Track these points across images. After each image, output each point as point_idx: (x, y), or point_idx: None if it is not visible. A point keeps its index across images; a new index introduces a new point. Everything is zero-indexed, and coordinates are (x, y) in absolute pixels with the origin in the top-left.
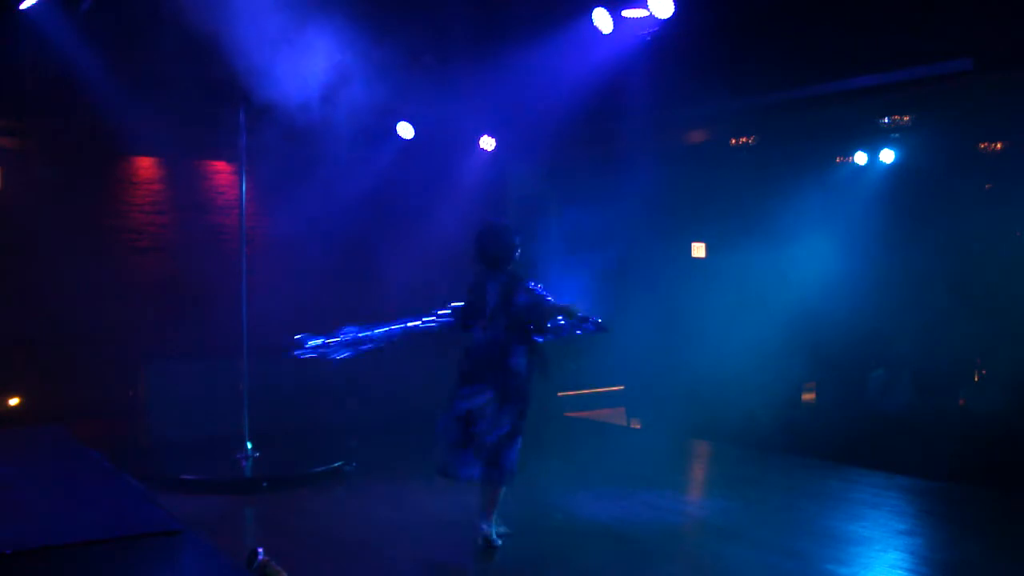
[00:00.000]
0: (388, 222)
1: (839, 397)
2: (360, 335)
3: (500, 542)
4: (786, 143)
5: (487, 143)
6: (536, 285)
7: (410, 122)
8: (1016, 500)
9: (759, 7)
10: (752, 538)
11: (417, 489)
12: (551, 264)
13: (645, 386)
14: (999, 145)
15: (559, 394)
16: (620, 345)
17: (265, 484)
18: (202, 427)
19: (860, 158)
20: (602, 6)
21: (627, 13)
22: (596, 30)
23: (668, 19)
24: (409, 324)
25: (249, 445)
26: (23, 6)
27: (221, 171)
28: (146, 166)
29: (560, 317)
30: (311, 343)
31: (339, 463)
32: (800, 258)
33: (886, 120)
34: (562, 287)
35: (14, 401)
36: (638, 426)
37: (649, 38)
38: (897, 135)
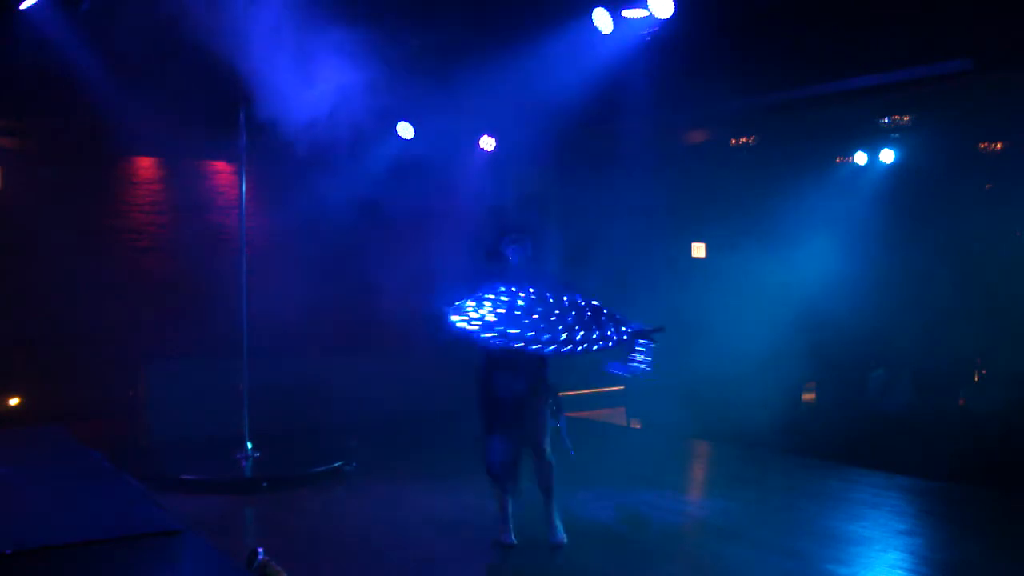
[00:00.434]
0: (388, 222)
1: (839, 397)
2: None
3: (515, 540)
4: (786, 143)
5: (487, 143)
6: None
7: (410, 122)
8: (1016, 500)
9: (759, 7)
10: (752, 538)
11: (417, 489)
12: (551, 264)
13: (645, 386)
14: (999, 145)
15: (559, 394)
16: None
17: (265, 484)
18: (202, 427)
19: (860, 158)
20: (602, 6)
21: (627, 13)
22: (596, 30)
23: (668, 19)
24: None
25: (249, 445)
26: (23, 6)
27: (221, 171)
28: (146, 166)
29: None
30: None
31: (339, 463)
32: (800, 258)
33: (886, 120)
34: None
35: (14, 401)
36: (638, 426)
37: (649, 38)
38: (897, 135)
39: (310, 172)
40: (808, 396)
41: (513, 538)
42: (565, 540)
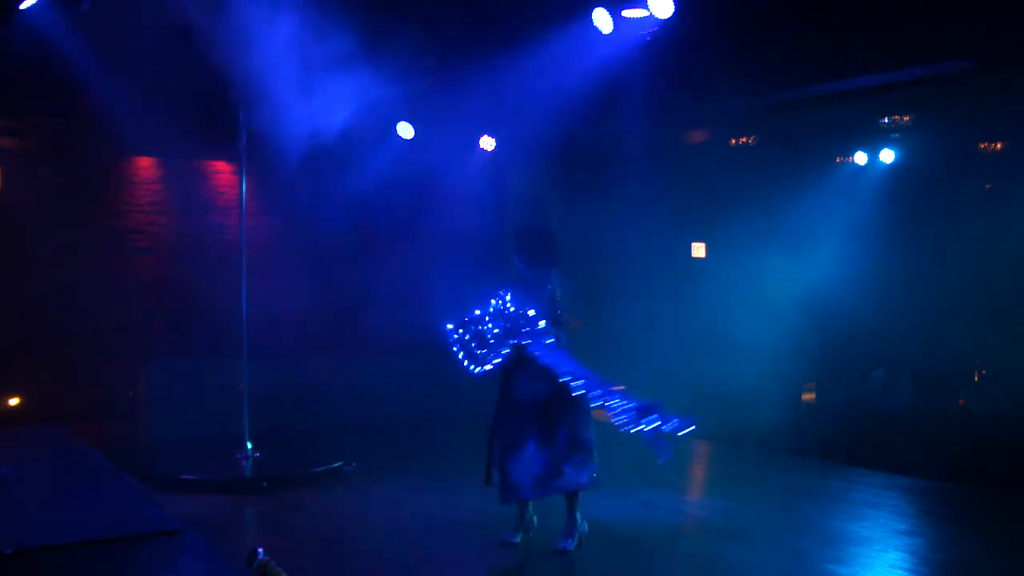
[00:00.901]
0: (388, 222)
1: (839, 397)
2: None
3: (518, 539)
4: (786, 143)
5: (487, 143)
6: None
7: (410, 122)
8: (1016, 500)
9: (759, 7)
10: (752, 538)
11: (417, 489)
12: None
13: (646, 386)
14: (999, 145)
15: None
16: (620, 345)
17: (265, 484)
18: (202, 427)
19: (860, 158)
20: (602, 6)
21: (627, 13)
22: (596, 30)
23: (668, 19)
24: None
25: (249, 445)
26: (23, 6)
27: (221, 171)
28: (146, 166)
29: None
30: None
31: (339, 463)
32: (800, 258)
33: (886, 120)
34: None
35: (14, 401)
36: None
37: (649, 38)
38: (897, 135)
39: (310, 172)
40: (808, 396)
41: (516, 538)
42: (569, 547)
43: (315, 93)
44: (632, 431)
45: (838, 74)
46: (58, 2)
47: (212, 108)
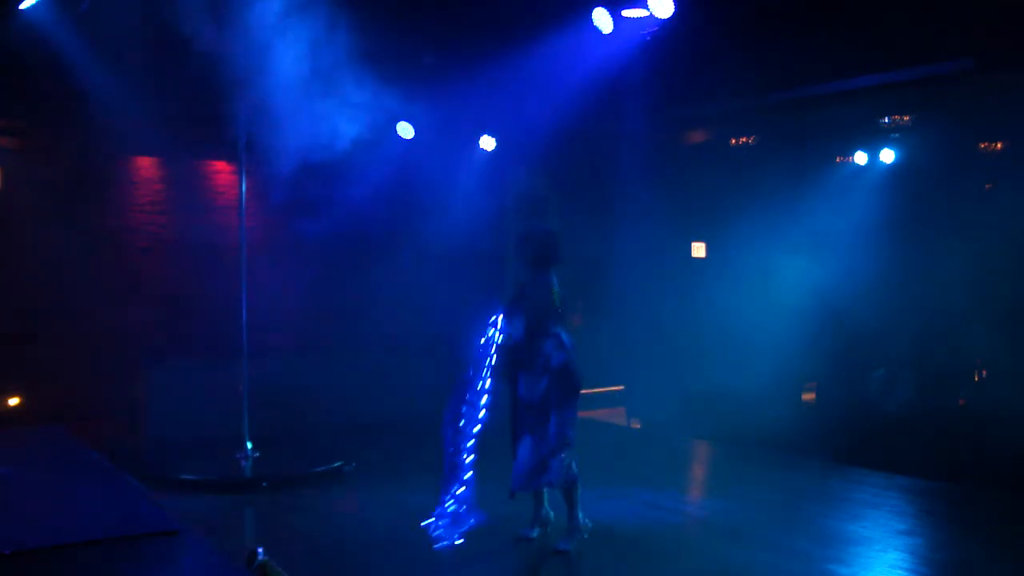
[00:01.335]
0: (388, 222)
1: (839, 397)
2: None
3: (535, 534)
4: (786, 143)
5: (487, 143)
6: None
7: (410, 122)
8: (1016, 500)
9: (759, 7)
10: (752, 538)
11: (417, 489)
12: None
13: (645, 386)
14: (999, 145)
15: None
16: (620, 345)
17: (265, 484)
18: (202, 427)
19: (860, 158)
20: (602, 6)
21: (627, 13)
22: (596, 30)
23: (668, 19)
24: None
25: (249, 445)
26: (23, 6)
27: (221, 171)
28: (146, 166)
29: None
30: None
31: (339, 463)
32: (800, 258)
33: (886, 120)
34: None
35: (14, 401)
36: (638, 426)
37: (649, 38)
38: (897, 135)
39: (310, 172)
40: (808, 396)
41: (533, 533)
42: (568, 549)
43: (315, 93)
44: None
45: (838, 74)
46: (58, 2)
47: (212, 109)
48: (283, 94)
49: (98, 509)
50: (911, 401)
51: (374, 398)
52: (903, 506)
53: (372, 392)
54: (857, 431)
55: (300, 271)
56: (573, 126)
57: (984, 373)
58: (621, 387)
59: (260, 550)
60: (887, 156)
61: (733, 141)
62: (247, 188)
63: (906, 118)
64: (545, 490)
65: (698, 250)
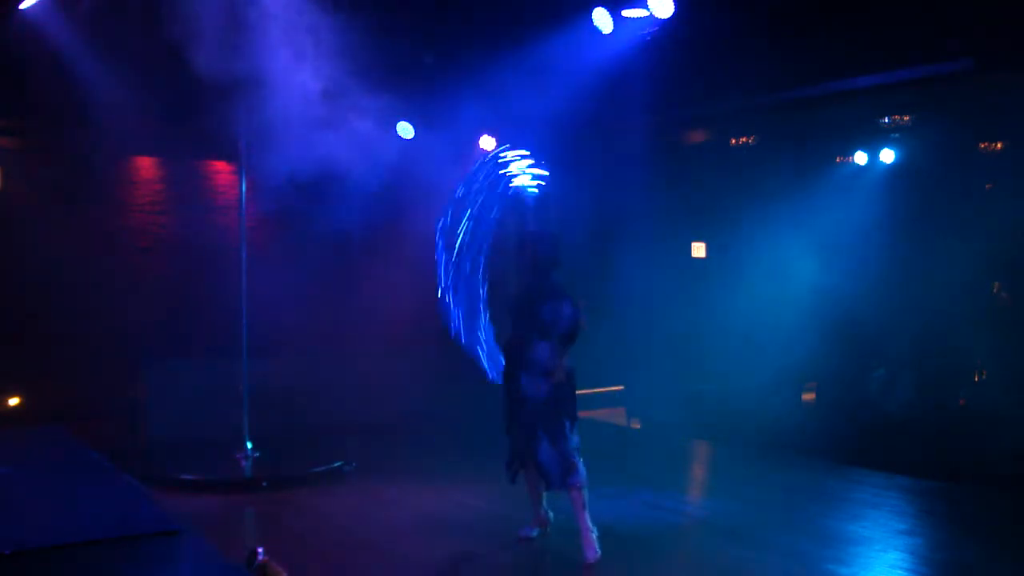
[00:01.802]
0: (388, 222)
1: (839, 397)
2: None
3: (536, 533)
4: (786, 143)
5: (487, 143)
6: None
7: (410, 122)
8: (1016, 500)
9: (759, 7)
10: (752, 538)
11: (417, 489)
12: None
13: (645, 386)
14: (999, 145)
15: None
16: (620, 345)
17: (265, 484)
18: (202, 427)
19: (860, 158)
20: (602, 6)
21: (627, 13)
22: (596, 30)
23: (668, 19)
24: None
25: (249, 445)
26: (23, 6)
27: (221, 171)
28: (146, 166)
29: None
30: None
31: (339, 463)
32: (800, 258)
33: (886, 120)
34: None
35: (14, 401)
36: (638, 426)
37: (649, 38)
38: (897, 135)
39: (310, 172)
40: (808, 396)
41: (533, 532)
42: (589, 557)
43: (315, 93)
44: None
45: (838, 74)
46: (58, 2)
47: (212, 109)
48: (283, 93)
49: (98, 509)
50: (911, 401)
51: (374, 398)
52: (903, 506)
53: (372, 392)
54: (857, 431)
55: (300, 271)
56: (573, 126)
57: (984, 373)
58: (621, 387)
59: (260, 550)
60: (887, 156)
61: (733, 141)
62: (247, 188)
63: (906, 118)
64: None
65: (698, 250)
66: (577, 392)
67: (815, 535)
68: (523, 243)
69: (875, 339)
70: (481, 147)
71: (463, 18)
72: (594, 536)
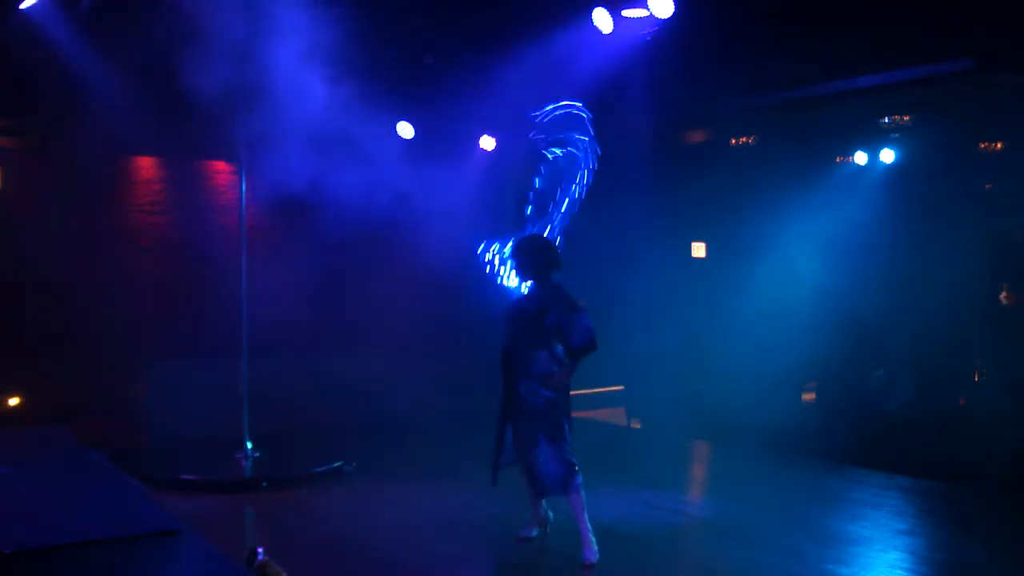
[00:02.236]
0: (388, 222)
1: (839, 397)
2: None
3: (535, 533)
4: (786, 143)
5: (487, 143)
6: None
7: (410, 122)
8: (1016, 500)
9: (759, 7)
10: (752, 538)
11: (417, 489)
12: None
13: (645, 386)
14: (999, 145)
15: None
16: (620, 345)
17: (265, 484)
18: (202, 427)
19: (860, 158)
20: (602, 6)
21: (627, 13)
22: (596, 30)
23: (668, 19)
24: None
25: (249, 445)
26: (23, 6)
27: (221, 171)
28: (146, 166)
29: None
30: None
31: (339, 463)
32: (800, 258)
33: (886, 120)
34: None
35: (14, 401)
36: (638, 426)
37: (649, 38)
38: (897, 135)
39: (310, 172)
40: (808, 396)
41: (533, 532)
42: (589, 559)
43: (315, 92)
44: None
45: (838, 74)
46: (58, 2)
47: (212, 108)
48: (283, 93)
49: (98, 509)
50: (911, 401)
51: (374, 398)
52: (903, 506)
53: (372, 392)
54: (857, 431)
55: (300, 271)
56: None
57: (984, 373)
58: (621, 387)
59: (260, 550)
60: (887, 156)
61: (733, 141)
62: (247, 188)
63: (906, 118)
64: None
65: (698, 250)
66: (572, 392)
67: (815, 535)
68: (521, 247)
69: (875, 339)
70: (481, 147)
71: (463, 18)
72: (593, 537)
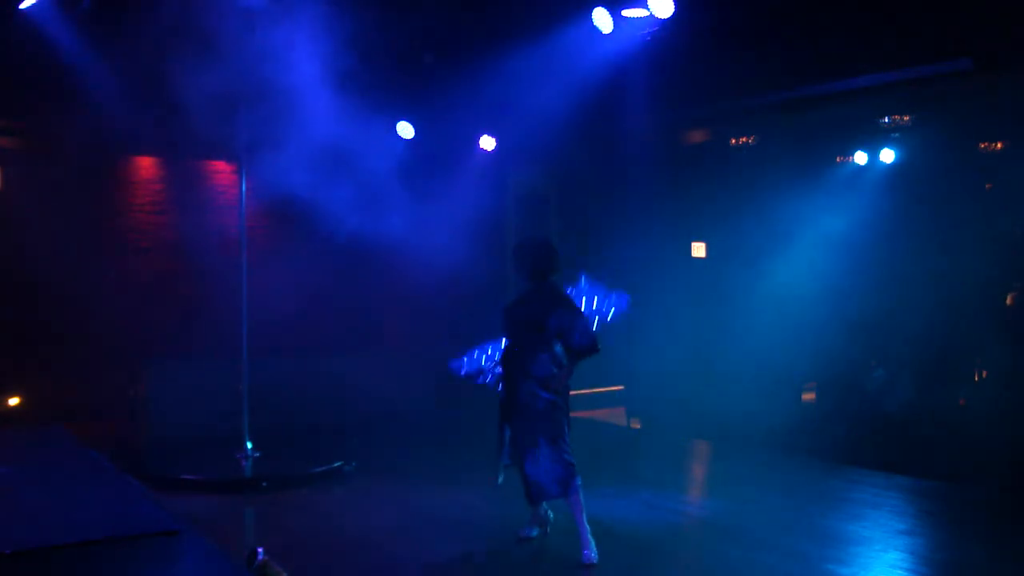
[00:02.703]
0: (387, 222)
1: (839, 397)
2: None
3: (535, 533)
4: (786, 143)
5: (487, 143)
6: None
7: (410, 122)
8: (1016, 500)
9: (759, 7)
10: (752, 538)
11: (417, 489)
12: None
13: (645, 386)
14: (999, 145)
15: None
16: (620, 345)
17: (265, 484)
18: (202, 427)
19: (860, 158)
20: (602, 6)
21: (627, 13)
22: (596, 30)
23: (668, 19)
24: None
25: (249, 445)
26: (23, 6)
27: (221, 171)
28: (146, 166)
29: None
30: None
31: (339, 463)
32: (800, 258)
33: (886, 120)
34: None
35: (14, 401)
36: (638, 426)
37: (649, 38)
38: (897, 135)
39: (310, 172)
40: (808, 396)
41: (533, 532)
42: (589, 559)
43: (315, 92)
44: None
45: (838, 74)
46: (58, 2)
47: (212, 108)
48: (283, 93)
49: (98, 509)
50: (911, 401)
51: (374, 398)
52: (903, 506)
53: (372, 392)
54: (857, 431)
55: (300, 271)
56: (573, 126)
57: (984, 373)
58: (621, 387)
59: (260, 550)
60: (887, 156)
61: (733, 141)
62: (247, 188)
63: (906, 118)
64: None
65: (698, 250)
66: (572, 392)
67: (815, 535)
68: (520, 249)
69: (875, 339)
70: (481, 147)
71: (463, 18)
72: (592, 538)
